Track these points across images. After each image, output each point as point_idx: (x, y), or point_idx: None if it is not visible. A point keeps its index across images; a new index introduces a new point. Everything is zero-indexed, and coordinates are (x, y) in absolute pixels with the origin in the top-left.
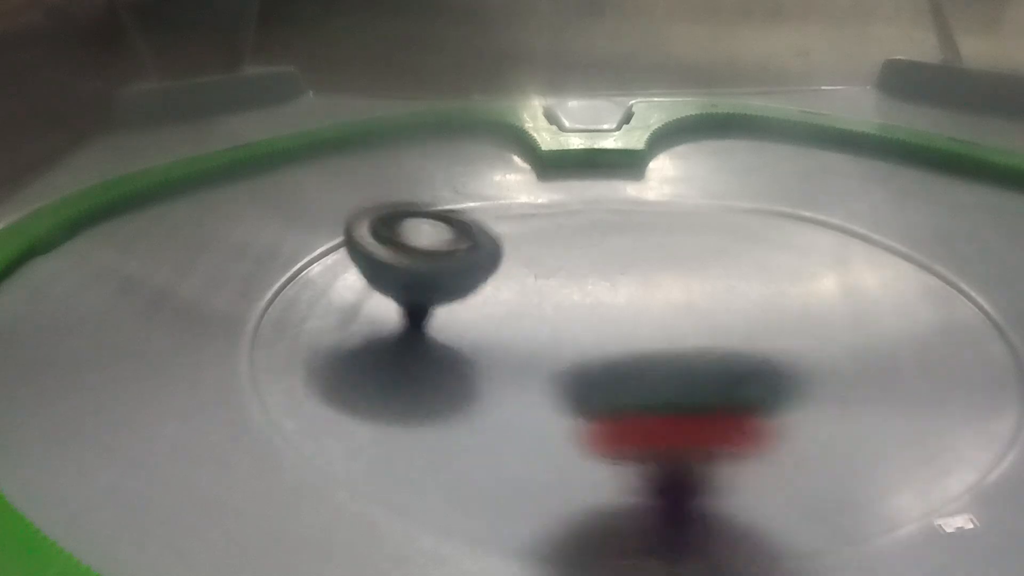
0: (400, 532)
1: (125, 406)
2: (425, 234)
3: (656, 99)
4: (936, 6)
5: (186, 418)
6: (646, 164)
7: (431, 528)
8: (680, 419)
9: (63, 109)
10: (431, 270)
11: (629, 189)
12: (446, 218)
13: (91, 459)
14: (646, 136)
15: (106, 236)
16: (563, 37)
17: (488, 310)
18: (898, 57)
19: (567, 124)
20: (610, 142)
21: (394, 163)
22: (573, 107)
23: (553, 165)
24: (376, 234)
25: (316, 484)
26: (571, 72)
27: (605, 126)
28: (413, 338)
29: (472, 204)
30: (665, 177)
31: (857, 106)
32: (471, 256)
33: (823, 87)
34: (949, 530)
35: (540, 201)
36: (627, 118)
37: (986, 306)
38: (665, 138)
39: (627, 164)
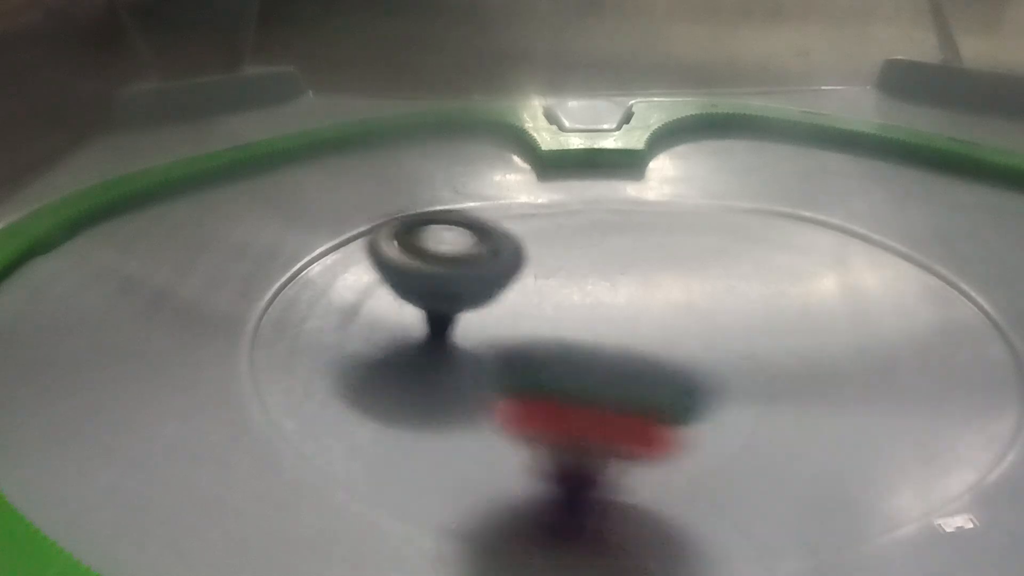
0: (400, 532)
1: (125, 406)
2: (448, 240)
3: (656, 99)
4: (936, 6)
5: (186, 418)
6: (646, 164)
7: (431, 528)
8: (585, 411)
9: (63, 109)
10: (459, 277)
11: (629, 189)
12: (467, 223)
13: (91, 459)
14: (646, 136)
15: (106, 236)
16: (563, 37)
17: (487, 310)
18: (898, 57)
19: (567, 124)
20: (610, 142)
21: (394, 163)
22: (573, 107)
23: (553, 165)
24: (401, 243)
25: (316, 484)
26: (571, 72)
27: (605, 126)
28: (427, 342)
29: (472, 204)
30: (665, 177)
31: (857, 106)
32: (496, 260)
33: (823, 87)
34: (949, 530)
35: (540, 201)
36: (627, 118)
37: (986, 306)
38: (665, 138)
39: (627, 164)
